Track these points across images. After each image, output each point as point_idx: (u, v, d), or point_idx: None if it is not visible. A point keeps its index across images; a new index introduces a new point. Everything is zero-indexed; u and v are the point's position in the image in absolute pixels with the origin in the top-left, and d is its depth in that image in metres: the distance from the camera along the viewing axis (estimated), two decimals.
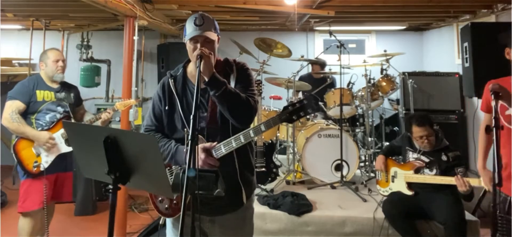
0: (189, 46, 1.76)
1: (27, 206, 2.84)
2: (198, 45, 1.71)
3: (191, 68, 1.87)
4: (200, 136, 1.75)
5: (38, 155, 2.83)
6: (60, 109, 2.95)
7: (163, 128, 1.88)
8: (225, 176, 1.68)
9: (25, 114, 2.85)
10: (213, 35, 1.75)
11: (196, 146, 1.49)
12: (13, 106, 2.80)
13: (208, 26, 1.75)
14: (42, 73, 2.99)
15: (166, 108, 1.84)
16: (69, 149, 2.90)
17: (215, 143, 1.72)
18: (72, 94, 3.05)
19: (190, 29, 1.75)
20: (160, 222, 3.33)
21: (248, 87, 1.81)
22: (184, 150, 1.73)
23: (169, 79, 1.86)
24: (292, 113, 1.71)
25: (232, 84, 1.81)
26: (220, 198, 1.52)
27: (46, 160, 2.84)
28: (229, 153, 1.74)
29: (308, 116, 3.91)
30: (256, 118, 3.86)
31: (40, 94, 2.89)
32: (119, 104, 3.11)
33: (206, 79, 1.67)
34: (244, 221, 1.90)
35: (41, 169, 2.82)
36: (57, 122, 2.90)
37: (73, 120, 2.98)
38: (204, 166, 1.67)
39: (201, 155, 1.67)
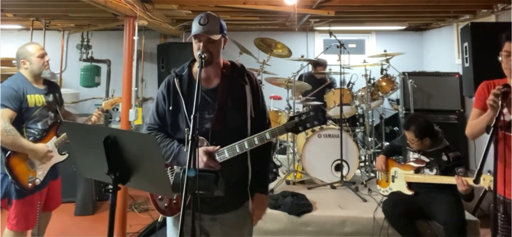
0: (193, 45, 1.77)
1: (21, 227, 2.58)
2: (201, 45, 1.72)
3: (196, 68, 1.85)
4: (203, 138, 1.74)
5: (33, 170, 2.59)
6: (51, 113, 2.70)
7: (166, 128, 1.85)
8: (235, 179, 1.75)
9: (15, 123, 2.50)
10: (216, 36, 1.75)
11: (196, 146, 1.49)
12: (4, 115, 2.43)
13: (212, 26, 1.74)
14: (25, 72, 2.64)
15: (170, 108, 1.81)
16: (63, 158, 2.74)
17: (218, 147, 1.71)
18: (57, 94, 2.82)
19: (194, 27, 1.75)
20: (159, 220, 3.33)
21: (261, 100, 1.89)
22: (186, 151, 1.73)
23: (175, 79, 1.83)
24: (298, 124, 1.71)
25: (248, 95, 1.82)
26: (222, 196, 1.53)
27: (41, 173, 2.62)
28: (244, 159, 1.77)
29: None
30: None
31: (31, 99, 2.57)
32: (106, 103, 3.01)
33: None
34: (245, 220, 1.90)
35: (37, 183, 2.59)
36: (49, 129, 2.67)
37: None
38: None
39: (203, 158, 1.66)
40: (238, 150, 1.70)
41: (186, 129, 1.54)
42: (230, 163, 1.72)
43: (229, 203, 1.80)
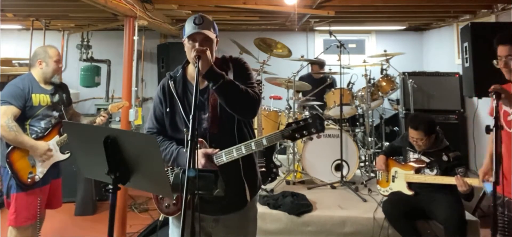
0: (187, 46, 1.75)
1: (20, 221, 2.60)
2: (197, 45, 1.71)
3: (190, 70, 1.86)
4: (203, 140, 1.75)
5: (33, 166, 2.63)
6: (55, 113, 2.76)
7: (165, 130, 1.87)
8: (229, 174, 1.69)
9: (19, 120, 2.58)
10: (211, 34, 1.76)
11: (196, 146, 1.49)
12: (8, 112, 2.52)
13: (207, 26, 1.75)
14: (38, 72, 2.73)
15: (167, 110, 1.83)
16: (64, 157, 2.76)
17: (217, 150, 1.71)
18: (64, 95, 2.88)
19: (189, 28, 1.75)
20: (160, 218, 3.33)
21: (246, 80, 1.81)
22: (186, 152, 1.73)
23: (169, 81, 1.85)
24: (295, 131, 1.69)
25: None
26: (223, 197, 1.52)
27: (41, 170, 2.65)
28: (237, 160, 1.74)
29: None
30: (256, 119, 3.88)
31: (36, 98, 2.65)
32: (112, 106, 3.04)
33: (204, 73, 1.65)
34: (248, 221, 1.90)
35: (36, 180, 2.63)
36: (52, 128, 2.72)
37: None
38: None
39: (201, 160, 1.66)
40: (235, 155, 1.71)
41: (185, 130, 1.54)
42: (228, 165, 1.72)
43: (231, 204, 1.80)
